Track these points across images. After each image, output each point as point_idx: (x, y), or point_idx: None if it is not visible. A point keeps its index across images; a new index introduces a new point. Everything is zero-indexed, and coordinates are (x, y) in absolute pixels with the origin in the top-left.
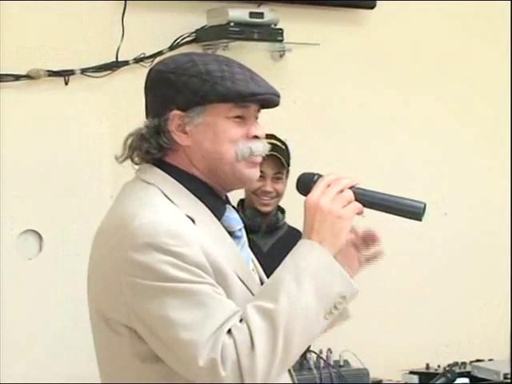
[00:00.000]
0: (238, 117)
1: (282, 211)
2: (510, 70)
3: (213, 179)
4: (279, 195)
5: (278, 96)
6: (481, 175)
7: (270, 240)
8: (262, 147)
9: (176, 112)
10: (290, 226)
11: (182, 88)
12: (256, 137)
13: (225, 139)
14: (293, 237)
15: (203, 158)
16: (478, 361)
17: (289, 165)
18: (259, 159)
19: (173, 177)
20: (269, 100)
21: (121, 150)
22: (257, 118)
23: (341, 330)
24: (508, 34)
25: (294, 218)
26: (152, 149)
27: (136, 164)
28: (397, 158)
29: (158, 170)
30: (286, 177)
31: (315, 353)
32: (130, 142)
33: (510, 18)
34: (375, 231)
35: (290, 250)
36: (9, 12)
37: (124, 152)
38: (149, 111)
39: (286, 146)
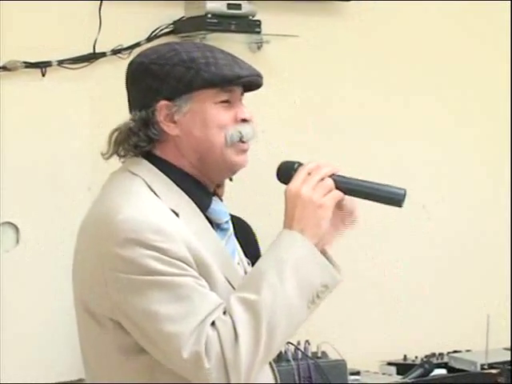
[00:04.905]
0: (224, 101)
1: None
2: (510, 70)
3: (202, 169)
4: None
5: (261, 77)
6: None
7: None
8: (251, 130)
9: (163, 102)
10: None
11: (166, 77)
12: (244, 120)
13: (214, 125)
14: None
15: (193, 147)
16: (455, 352)
17: None
18: (248, 145)
19: (159, 169)
20: (253, 81)
21: (105, 145)
22: (241, 100)
23: (319, 321)
24: (508, 34)
25: (272, 209)
26: (141, 142)
27: (122, 157)
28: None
29: (145, 162)
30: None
31: (293, 344)
32: (115, 137)
33: (510, 18)
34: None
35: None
36: None
37: (109, 148)
38: (134, 104)
39: None
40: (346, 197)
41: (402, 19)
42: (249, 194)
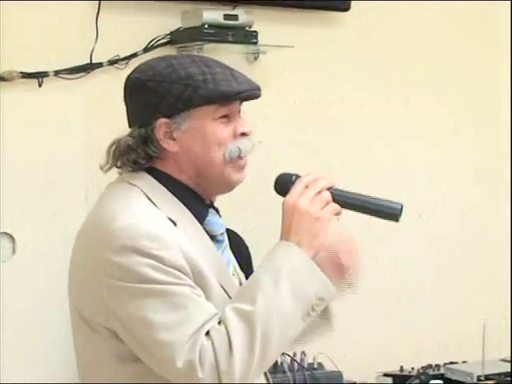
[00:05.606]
0: (223, 116)
1: None
2: (510, 70)
3: (200, 183)
4: None
5: (260, 89)
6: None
7: None
8: (250, 144)
9: (162, 120)
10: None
11: (164, 95)
12: (243, 133)
13: (214, 142)
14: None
15: (192, 163)
16: (451, 363)
17: None
18: (246, 160)
19: (157, 180)
20: (252, 95)
21: (104, 157)
22: (239, 111)
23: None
24: (508, 34)
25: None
26: (140, 158)
27: (119, 168)
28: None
29: (144, 173)
30: None
31: (289, 355)
32: (113, 150)
33: (510, 18)
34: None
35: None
36: None
37: (108, 160)
38: (132, 120)
39: None
40: (346, 252)
41: (402, 19)
42: (248, 194)
